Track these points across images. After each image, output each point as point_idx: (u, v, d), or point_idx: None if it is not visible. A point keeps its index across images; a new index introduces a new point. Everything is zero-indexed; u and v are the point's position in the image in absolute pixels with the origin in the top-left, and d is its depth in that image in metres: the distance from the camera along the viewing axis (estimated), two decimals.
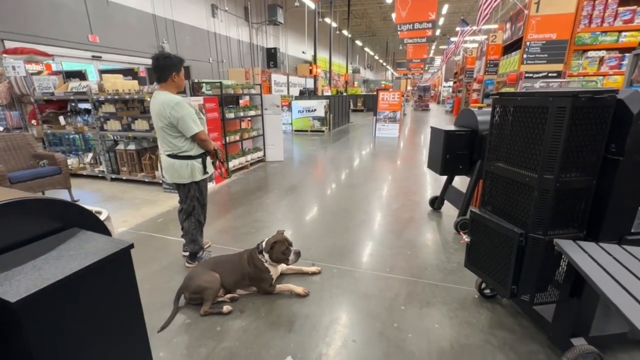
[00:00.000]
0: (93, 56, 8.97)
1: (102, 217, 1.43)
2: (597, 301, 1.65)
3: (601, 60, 5.03)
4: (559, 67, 5.18)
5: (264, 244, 2.40)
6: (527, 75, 5.29)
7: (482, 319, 2.11)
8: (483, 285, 2.31)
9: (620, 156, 1.52)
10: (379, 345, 1.92)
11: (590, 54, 5.10)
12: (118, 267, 0.99)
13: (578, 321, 1.66)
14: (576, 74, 5.19)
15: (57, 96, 5.38)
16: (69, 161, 5.65)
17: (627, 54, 4.37)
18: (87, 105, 5.67)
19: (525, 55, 5.36)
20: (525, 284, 1.73)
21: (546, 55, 5.25)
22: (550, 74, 5.22)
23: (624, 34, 4.82)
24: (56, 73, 6.21)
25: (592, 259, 1.40)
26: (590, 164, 1.57)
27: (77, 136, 6.17)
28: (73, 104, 5.93)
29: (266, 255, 2.35)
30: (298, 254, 2.37)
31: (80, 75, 6.37)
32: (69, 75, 6.33)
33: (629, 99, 1.49)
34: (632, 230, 1.65)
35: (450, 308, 2.23)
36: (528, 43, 5.29)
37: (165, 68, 2.40)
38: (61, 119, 5.51)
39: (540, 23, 5.15)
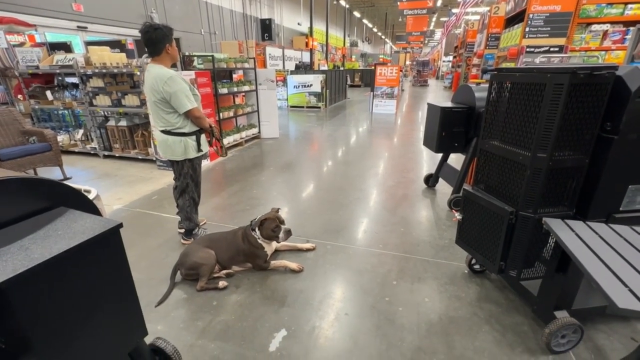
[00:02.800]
0: (78, 27, 8.57)
1: (91, 196, 1.41)
2: (581, 277, 1.70)
3: (604, 34, 4.89)
4: (561, 41, 5.04)
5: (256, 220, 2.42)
6: (528, 49, 5.15)
7: (471, 293, 2.19)
8: (473, 261, 2.37)
9: (615, 135, 1.51)
10: (371, 318, 1.99)
11: (594, 27, 4.94)
12: (107, 246, 0.99)
13: (562, 295, 1.73)
14: (578, 48, 5.06)
15: (43, 70, 5.18)
16: (60, 138, 5.54)
17: (631, 28, 4.24)
18: (75, 80, 5.49)
19: (527, 29, 5.19)
20: (514, 261, 1.77)
21: (549, 29, 5.09)
22: (552, 49, 5.08)
23: (630, 6, 4.65)
24: (40, 45, 5.95)
25: (578, 237, 1.43)
26: (584, 142, 1.56)
27: (66, 112, 6.01)
28: (60, 78, 5.72)
29: (258, 232, 2.38)
30: (288, 232, 2.37)
31: (66, 47, 6.11)
32: (54, 47, 6.08)
33: (628, 75, 1.46)
34: (621, 209, 1.67)
35: (440, 283, 2.30)
36: (531, 15, 5.11)
37: (158, 40, 2.29)
38: (48, 93, 5.34)
39: None
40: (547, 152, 1.53)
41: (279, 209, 2.56)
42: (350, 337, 1.84)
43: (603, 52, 4.90)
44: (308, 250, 2.69)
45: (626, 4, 4.66)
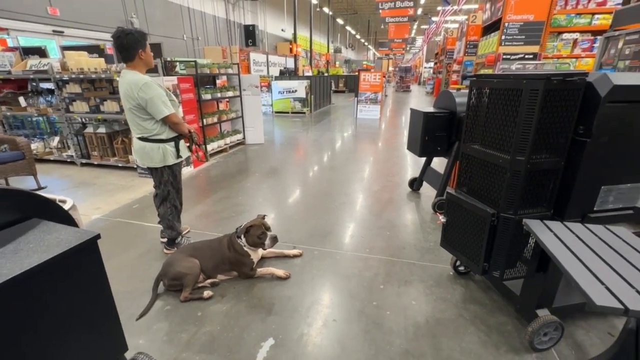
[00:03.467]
0: (54, 31, 8.29)
1: (66, 207, 1.35)
2: (561, 275, 1.76)
3: (574, 42, 5.16)
4: (535, 48, 5.27)
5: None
6: (504, 57, 5.35)
7: (456, 295, 2.22)
8: (458, 263, 2.41)
9: (588, 138, 1.57)
10: (359, 323, 1.98)
11: (565, 36, 5.20)
12: (84, 258, 0.95)
13: (543, 294, 1.77)
14: (551, 55, 5.30)
15: (15, 75, 4.96)
16: (34, 145, 5.31)
17: (598, 37, 4.48)
18: (50, 85, 5.28)
19: (503, 37, 5.41)
20: (496, 261, 1.81)
21: (523, 37, 5.31)
22: (526, 56, 5.31)
23: (596, 16, 4.92)
24: (12, 49, 5.72)
25: (556, 237, 1.48)
26: (560, 145, 1.62)
27: (40, 119, 5.78)
28: (34, 84, 5.50)
29: (243, 239, 2.34)
30: (274, 239, 2.34)
31: (40, 52, 5.89)
32: (27, 51, 5.85)
33: (598, 81, 1.53)
34: (595, 209, 1.74)
35: (426, 285, 2.32)
36: (506, 24, 5.33)
37: (130, 46, 2.23)
38: (21, 99, 5.11)
39: (518, 4, 5.17)
40: (526, 155, 1.58)
41: (265, 215, 2.53)
42: (339, 343, 1.83)
43: (574, 60, 5.16)
44: (295, 256, 2.66)
45: (593, 14, 4.93)
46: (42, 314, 0.85)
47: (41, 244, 0.89)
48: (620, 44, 3.31)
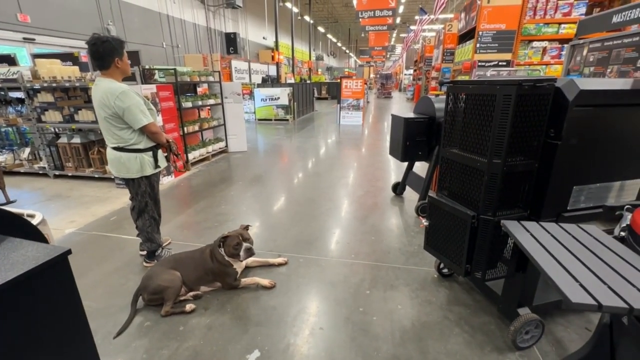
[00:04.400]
0: (25, 38, 7.97)
1: (35, 221, 1.28)
2: (539, 274, 1.81)
3: (544, 50, 5.42)
4: (508, 56, 5.50)
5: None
6: (480, 64, 5.56)
7: (441, 297, 2.24)
8: (441, 266, 2.44)
9: (558, 140, 1.64)
10: (345, 330, 1.97)
11: (535, 44, 5.46)
12: (53, 276, 0.89)
13: (523, 293, 1.82)
14: (523, 62, 5.55)
15: None
16: (2, 157, 5.06)
17: (565, 45, 4.73)
18: (20, 94, 5.06)
19: (478, 45, 5.62)
20: (478, 262, 1.84)
21: (497, 45, 5.54)
22: (500, 63, 5.53)
23: (563, 25, 5.21)
24: None
25: (533, 237, 1.53)
26: (533, 148, 1.69)
27: (9, 129, 5.51)
28: (2, 93, 5.25)
29: (222, 250, 2.30)
30: (249, 251, 2.27)
31: (9, 60, 5.66)
32: None
33: (566, 87, 1.61)
34: (568, 208, 1.81)
35: (411, 289, 2.34)
36: (480, 33, 5.54)
37: (106, 54, 2.17)
38: None
39: (491, 13, 5.40)
40: (502, 158, 1.63)
41: (248, 225, 2.48)
42: (326, 352, 1.81)
43: (544, 66, 5.42)
44: (280, 264, 2.63)
45: (560, 24, 5.21)
46: (7, 337, 0.79)
47: (5, 263, 0.84)
48: (584, 52, 3.50)
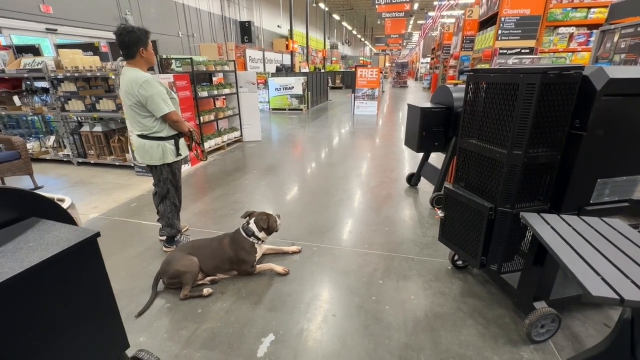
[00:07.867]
0: (47, 29, 8.20)
1: (65, 205, 1.35)
2: (558, 268, 1.78)
3: (571, 37, 5.16)
4: (531, 43, 5.27)
5: (253, 225, 2.39)
6: (501, 51, 5.36)
7: (455, 289, 2.24)
8: (456, 258, 2.43)
9: (584, 132, 1.58)
10: (359, 318, 2.00)
11: (561, 30, 5.20)
12: (84, 257, 0.95)
13: (540, 287, 1.79)
14: (547, 50, 5.31)
15: (9, 74, 4.92)
16: (30, 145, 5.28)
17: (594, 31, 4.49)
18: (45, 84, 5.24)
19: (500, 31, 5.40)
20: (494, 255, 1.82)
21: (520, 32, 5.31)
22: (523, 51, 5.31)
23: (592, 10, 4.93)
24: (6, 48, 5.66)
25: (554, 230, 1.49)
26: (557, 139, 1.63)
27: (36, 118, 5.73)
28: (28, 83, 5.45)
29: (261, 234, 2.38)
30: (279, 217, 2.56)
31: (34, 51, 5.84)
32: (21, 50, 5.80)
33: (594, 75, 1.54)
34: (591, 202, 1.76)
35: (425, 280, 2.34)
36: (503, 19, 5.32)
37: (131, 44, 2.23)
38: (16, 99, 5.07)
39: None
40: (523, 149, 1.59)
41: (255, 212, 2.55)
42: (339, 339, 1.84)
43: (570, 54, 5.17)
44: (294, 253, 2.67)
45: (589, 8, 4.94)
46: (43, 312, 0.85)
47: (41, 243, 0.89)
48: (616, 38, 3.32)
